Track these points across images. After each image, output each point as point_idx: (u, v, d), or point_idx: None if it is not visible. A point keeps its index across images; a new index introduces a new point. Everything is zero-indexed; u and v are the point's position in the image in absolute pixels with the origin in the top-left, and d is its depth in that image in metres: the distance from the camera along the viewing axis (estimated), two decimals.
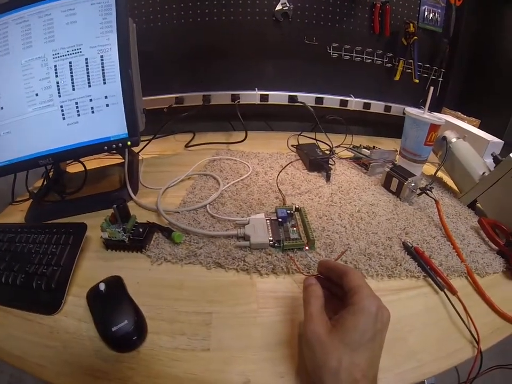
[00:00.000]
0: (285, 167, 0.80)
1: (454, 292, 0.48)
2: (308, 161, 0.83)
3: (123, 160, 0.75)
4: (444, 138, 0.77)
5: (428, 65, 1.10)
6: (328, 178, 0.78)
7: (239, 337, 0.41)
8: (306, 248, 0.54)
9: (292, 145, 0.98)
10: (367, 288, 0.36)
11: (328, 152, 0.91)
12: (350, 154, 0.92)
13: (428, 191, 0.67)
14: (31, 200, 0.67)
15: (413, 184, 0.67)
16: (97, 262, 0.52)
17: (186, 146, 0.97)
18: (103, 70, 0.60)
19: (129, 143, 0.65)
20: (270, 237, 0.54)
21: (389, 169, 0.73)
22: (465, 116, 1.04)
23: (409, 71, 1.08)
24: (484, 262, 0.55)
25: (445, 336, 0.43)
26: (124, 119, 0.63)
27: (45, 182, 0.71)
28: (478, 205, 0.72)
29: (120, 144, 0.64)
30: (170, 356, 0.38)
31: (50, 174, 0.72)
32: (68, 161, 0.78)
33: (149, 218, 0.61)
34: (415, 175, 0.69)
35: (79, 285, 0.47)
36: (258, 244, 0.53)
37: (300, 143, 0.98)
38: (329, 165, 0.82)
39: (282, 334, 0.42)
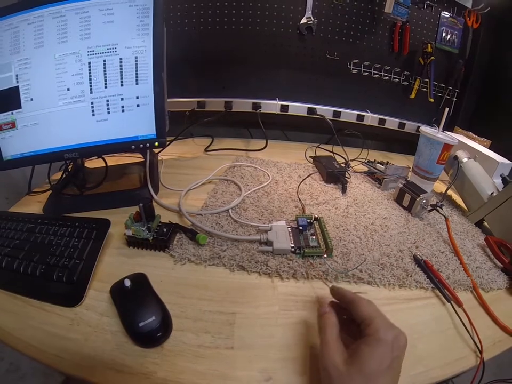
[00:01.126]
0: (306, 178, 0.83)
1: (460, 304, 0.51)
2: (326, 173, 0.86)
3: (143, 159, 0.76)
4: (456, 157, 0.81)
5: (442, 85, 1.14)
6: (344, 190, 0.81)
7: (261, 337, 0.43)
8: (325, 255, 0.57)
9: (310, 157, 1.02)
10: (380, 318, 0.36)
11: (344, 165, 0.94)
12: (365, 168, 0.95)
13: (438, 208, 0.70)
14: (50, 192, 0.68)
15: (424, 201, 0.71)
16: (119, 258, 0.53)
17: (206, 150, 1.00)
18: (136, 70, 0.60)
19: (156, 143, 0.66)
20: (292, 243, 0.58)
21: (402, 185, 0.76)
22: (476, 136, 1.07)
23: (425, 89, 1.11)
24: (488, 278, 0.58)
25: (450, 344, 0.46)
26: (153, 120, 0.64)
27: (64, 175, 0.72)
28: (485, 223, 0.75)
29: (148, 144, 0.65)
30: (194, 353, 0.40)
31: (70, 167, 0.73)
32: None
33: (170, 218, 0.62)
34: (426, 192, 0.72)
35: (101, 280, 0.49)
36: (281, 250, 0.57)
37: (317, 154, 1.01)
38: (346, 178, 0.85)
39: (302, 335, 0.44)
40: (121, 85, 0.61)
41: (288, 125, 1.18)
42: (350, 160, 0.98)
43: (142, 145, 0.65)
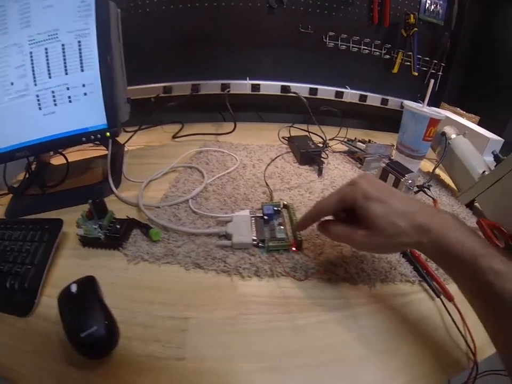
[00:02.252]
0: (274, 159, 0.75)
1: (450, 299, 0.44)
2: (299, 154, 0.78)
3: (107, 152, 0.70)
4: (443, 134, 0.73)
5: (427, 59, 1.05)
6: (320, 172, 0.73)
7: (216, 346, 0.37)
8: (293, 249, 0.49)
9: (283, 137, 0.93)
10: (343, 188, 0.41)
11: (321, 145, 0.86)
12: (344, 148, 0.87)
13: (425, 189, 0.63)
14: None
15: (410, 181, 0.63)
16: (73, 260, 0.48)
17: (174, 137, 0.93)
18: (80, 56, 0.56)
19: (108, 134, 0.61)
20: (254, 236, 0.49)
21: (385, 165, 0.68)
22: (464, 112, 1.00)
23: (408, 63, 1.03)
24: None
25: (439, 347, 0.39)
26: (102, 108, 0.59)
27: (27, 175, 0.67)
28: (477, 204, 0.68)
29: (99, 136, 0.60)
30: (142, 364, 0.35)
31: (35, 166, 0.69)
32: (51, 153, 0.74)
33: (130, 213, 0.57)
34: (412, 172, 0.65)
35: (54, 285, 0.44)
36: (241, 244, 0.48)
37: (292, 135, 0.93)
38: (322, 159, 0.77)
39: (264, 344, 0.37)
40: (66, 74, 0.56)
41: (263, 106, 1.10)
42: (328, 140, 0.91)
43: (92, 136, 0.60)
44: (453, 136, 0.73)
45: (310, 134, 0.94)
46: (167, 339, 0.37)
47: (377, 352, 0.37)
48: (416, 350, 0.38)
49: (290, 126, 1.00)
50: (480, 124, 0.94)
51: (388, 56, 1.03)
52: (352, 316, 0.41)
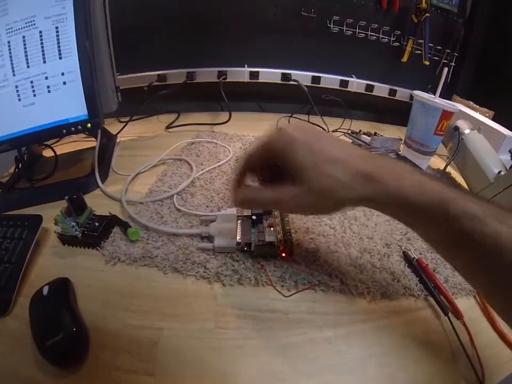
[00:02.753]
0: None
1: (459, 317, 0.38)
2: None
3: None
4: (456, 128, 0.66)
5: (439, 48, 0.96)
6: None
7: (189, 363, 0.33)
8: (283, 255, 0.43)
9: None
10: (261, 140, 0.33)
11: None
12: (348, 140, 0.81)
13: None
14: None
15: None
16: (52, 259, 0.46)
17: (168, 127, 0.87)
18: (58, 43, 0.54)
19: (89, 125, 0.58)
20: (239, 238, 0.43)
21: None
22: (477, 106, 0.92)
23: (419, 52, 0.94)
24: None
25: (444, 376, 0.33)
26: (83, 98, 0.56)
27: (16, 168, 0.65)
28: None
29: (80, 127, 0.58)
30: (109, 377, 0.32)
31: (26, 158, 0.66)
32: (41, 145, 0.71)
33: (114, 209, 0.53)
34: (421, 169, 0.58)
35: (31, 285, 0.41)
36: (223, 248, 0.43)
37: None
38: None
39: (240, 364, 0.33)
40: (44, 62, 0.54)
41: (263, 95, 1.02)
42: (331, 131, 0.84)
43: (73, 128, 0.58)
44: (467, 131, 0.66)
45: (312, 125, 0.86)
46: (138, 351, 0.34)
47: (372, 379, 0.32)
48: (416, 378, 0.33)
49: (289, 116, 0.93)
50: (494, 119, 0.86)
51: (397, 43, 0.95)
52: (346, 336, 0.36)
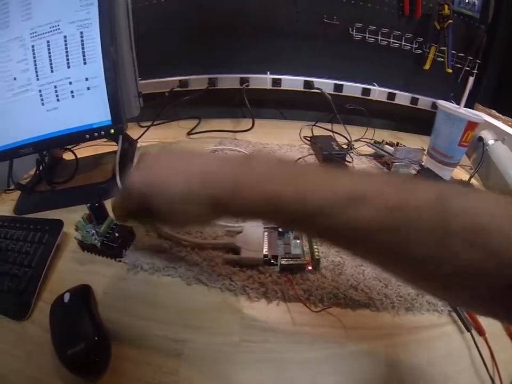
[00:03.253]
0: (296, 161, 0.68)
1: (482, 333, 0.38)
2: (322, 156, 0.71)
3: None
4: (480, 139, 0.65)
5: (461, 55, 0.93)
6: None
7: (212, 377, 0.33)
8: (309, 268, 0.43)
9: (305, 137, 0.86)
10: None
11: (345, 146, 0.79)
12: (371, 150, 0.80)
13: None
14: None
15: None
16: (72, 265, 0.45)
17: (189, 133, 0.87)
18: (83, 48, 0.53)
19: (112, 131, 0.57)
20: (266, 251, 0.44)
21: (415, 172, 0.61)
22: (500, 115, 0.89)
23: (441, 59, 0.92)
24: None
25: None
26: (106, 104, 0.55)
27: (37, 171, 0.65)
28: None
29: (103, 132, 0.57)
30: None
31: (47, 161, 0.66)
32: (62, 148, 0.71)
33: None
34: (445, 181, 0.57)
35: (51, 291, 0.41)
36: (250, 259, 0.43)
37: (315, 134, 0.85)
38: (346, 162, 0.70)
39: (266, 378, 0.33)
40: (68, 67, 0.54)
41: (284, 102, 1.02)
42: (353, 141, 0.83)
43: (96, 133, 0.57)
44: (491, 142, 0.65)
45: (334, 134, 0.86)
46: (160, 363, 0.33)
47: None
48: None
49: (313, 125, 0.93)
50: None
51: (419, 50, 0.93)
52: (370, 352, 0.36)
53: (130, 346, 0.35)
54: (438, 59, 0.92)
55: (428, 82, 0.97)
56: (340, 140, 0.83)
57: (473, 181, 0.68)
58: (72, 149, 0.67)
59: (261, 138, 0.84)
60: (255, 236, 0.45)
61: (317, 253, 0.43)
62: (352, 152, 0.77)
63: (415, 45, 0.92)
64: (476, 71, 0.93)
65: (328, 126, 0.91)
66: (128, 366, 0.33)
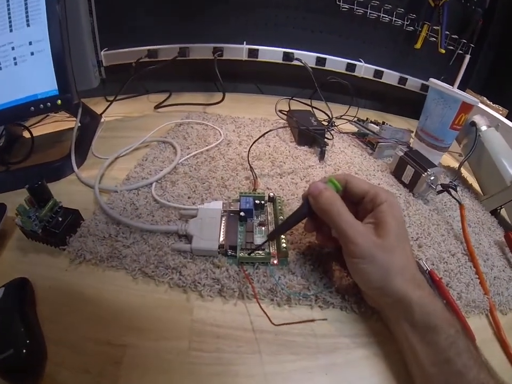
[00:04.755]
0: (264, 134, 0.58)
1: (472, 340, 0.32)
2: (298, 131, 0.63)
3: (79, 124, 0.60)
4: (473, 123, 0.58)
5: (455, 37, 0.88)
6: (322, 156, 0.59)
7: None
8: (275, 262, 0.35)
9: (281, 111, 0.78)
10: (377, 186, 0.34)
11: (325, 123, 0.72)
12: (353, 128, 0.73)
13: (451, 189, 0.49)
14: None
15: (432, 178, 0.49)
16: (15, 254, 0.39)
17: (157, 107, 0.78)
18: (26, 8, 0.47)
19: (59, 101, 0.50)
20: (222, 240, 0.36)
21: (402, 154, 0.54)
22: (490, 103, 0.84)
23: (433, 39, 0.86)
24: (508, 294, 0.40)
25: None
26: (52, 71, 0.49)
27: None
28: (503, 213, 0.55)
29: (49, 104, 0.50)
30: None
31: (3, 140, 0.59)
32: (19, 126, 0.63)
33: (88, 197, 0.46)
34: (435, 166, 0.51)
35: None
36: (202, 250, 0.35)
37: (293, 109, 0.77)
38: (326, 139, 0.63)
39: None
40: (11, 31, 0.47)
41: (261, 76, 0.93)
42: (335, 118, 0.76)
43: (42, 105, 0.50)
44: (484, 128, 0.59)
45: (314, 109, 0.78)
46: (98, 371, 0.28)
47: None
48: None
49: (290, 99, 0.84)
50: (508, 117, 0.79)
51: (411, 28, 0.86)
52: (345, 364, 0.30)
53: (69, 351, 0.29)
54: (430, 39, 0.86)
55: (418, 62, 0.92)
56: (320, 116, 0.76)
57: (462, 169, 0.62)
58: (33, 126, 0.62)
59: (232, 112, 0.76)
60: (210, 221, 0.37)
61: (284, 244, 0.36)
62: (332, 129, 0.70)
63: (407, 21, 0.86)
64: (469, 55, 0.88)
65: (308, 101, 0.83)
66: (65, 374, 0.28)
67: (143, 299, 0.33)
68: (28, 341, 0.28)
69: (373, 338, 0.32)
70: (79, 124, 0.59)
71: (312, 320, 0.31)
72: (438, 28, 0.84)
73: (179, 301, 0.33)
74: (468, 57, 0.57)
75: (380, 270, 0.29)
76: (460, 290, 0.38)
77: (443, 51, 0.84)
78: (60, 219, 0.39)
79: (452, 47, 0.89)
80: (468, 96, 0.54)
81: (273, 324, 0.29)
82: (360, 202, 0.34)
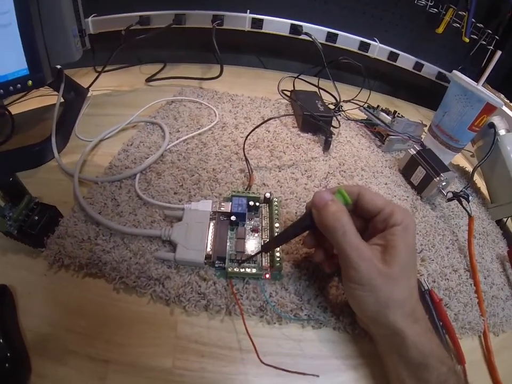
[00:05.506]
0: (263, 123, 0.53)
1: (462, 362, 0.33)
2: (302, 118, 0.59)
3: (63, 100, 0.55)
4: (492, 125, 0.55)
5: (480, 26, 0.81)
6: (327, 146, 0.55)
7: None
8: (267, 276, 0.33)
9: (284, 90, 0.72)
10: (394, 204, 0.31)
11: (332, 107, 0.68)
12: (362, 115, 0.68)
13: (462, 199, 0.46)
14: None
15: (444, 183, 0.47)
16: None
17: (148, 80, 0.72)
18: None
19: (30, 83, 0.46)
20: (210, 249, 0.33)
21: (415, 152, 0.52)
22: (508, 101, 0.81)
23: (456, 25, 0.80)
24: (503, 315, 0.39)
25: None
26: (20, 47, 0.44)
27: None
28: (508, 224, 0.54)
29: (19, 86, 0.46)
30: None
31: None
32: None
33: (68, 188, 0.43)
34: (449, 171, 0.49)
35: None
36: (187, 262, 0.33)
37: (297, 89, 0.72)
38: (332, 127, 0.59)
39: None
40: None
41: (265, 49, 0.87)
42: (343, 101, 0.71)
43: (11, 87, 0.46)
44: (502, 132, 0.55)
45: (320, 91, 0.74)
46: None
47: None
48: None
49: (295, 77, 0.78)
50: None
51: (434, 9, 0.79)
52: None
53: (51, 363, 0.28)
54: (453, 24, 0.80)
55: (437, 48, 0.86)
56: (327, 98, 0.72)
57: (468, 168, 0.60)
58: (15, 102, 0.58)
59: (231, 88, 0.71)
60: (198, 226, 0.35)
61: (278, 256, 0.33)
62: (339, 115, 0.66)
63: (431, 2, 0.79)
64: (492, 47, 0.83)
65: (314, 80, 0.77)
66: None
67: (125, 311, 0.32)
68: (8, 354, 0.27)
69: (364, 359, 0.31)
70: (62, 100, 0.54)
71: (304, 374, 0.29)
72: (463, 13, 0.78)
73: (162, 315, 0.32)
74: (498, 53, 0.52)
75: (378, 300, 0.27)
76: (457, 311, 0.37)
77: (467, 40, 0.79)
78: (36, 218, 0.35)
79: (475, 36, 0.83)
80: (493, 97, 0.51)
81: (262, 362, 0.28)
82: (371, 219, 0.32)
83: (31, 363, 0.28)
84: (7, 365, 0.26)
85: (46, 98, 0.60)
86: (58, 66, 0.53)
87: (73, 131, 0.54)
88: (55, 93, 0.59)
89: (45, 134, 0.50)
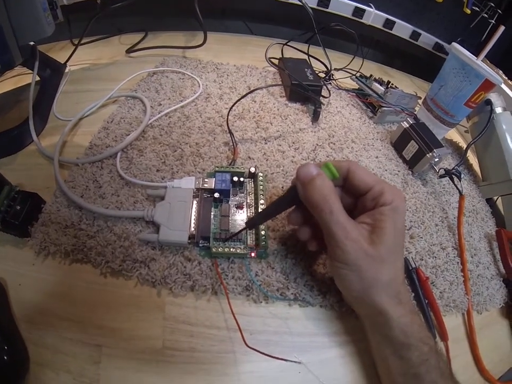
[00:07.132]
0: (248, 93, 0.52)
1: (445, 339, 0.36)
2: (290, 88, 0.59)
3: (38, 78, 0.53)
4: (488, 102, 0.56)
5: None
6: (316, 117, 0.56)
7: None
8: (252, 254, 0.35)
9: (272, 58, 0.71)
10: (386, 183, 0.31)
11: (323, 75, 0.68)
12: (354, 85, 0.69)
13: (454, 176, 0.48)
14: None
15: (436, 159, 0.49)
16: None
17: (128, 51, 0.70)
18: None
19: None
20: (193, 228, 0.34)
21: (408, 126, 0.53)
22: (506, 78, 0.82)
23: None
24: (487, 294, 0.42)
25: None
26: None
27: None
28: (498, 204, 0.57)
29: None
30: None
31: None
32: None
33: (49, 172, 0.42)
34: (442, 146, 0.50)
35: None
36: (170, 242, 0.34)
37: (286, 56, 0.72)
38: (321, 97, 0.59)
39: None
40: None
41: (253, 13, 0.86)
42: (334, 70, 0.71)
43: None
44: (499, 109, 0.56)
45: (311, 58, 0.73)
46: (79, 371, 0.29)
47: None
48: None
49: (284, 44, 0.77)
50: None
51: None
52: (320, 363, 0.32)
53: (48, 352, 0.30)
54: None
55: (436, 18, 0.86)
56: (317, 66, 0.72)
57: (461, 143, 0.62)
58: None
59: (216, 56, 0.71)
60: (180, 205, 0.35)
61: (264, 234, 0.34)
62: (329, 84, 0.66)
63: None
64: (493, 21, 0.83)
65: (304, 48, 0.77)
66: (49, 374, 0.29)
67: (114, 295, 0.33)
68: (5, 347, 0.28)
69: (351, 336, 0.33)
70: (38, 79, 0.52)
71: (286, 360, 0.30)
72: None
73: (150, 297, 0.33)
74: (502, 28, 0.53)
75: (363, 281, 0.28)
76: (443, 289, 0.39)
77: (468, 11, 0.79)
78: (18, 207, 0.36)
79: (476, 8, 0.83)
80: (493, 74, 0.51)
81: (246, 345, 0.29)
82: (360, 196, 0.32)
83: (28, 353, 0.29)
84: (5, 357, 0.27)
85: (22, 77, 0.59)
86: (32, 43, 0.51)
87: (51, 111, 0.53)
88: (31, 71, 0.57)
89: (22, 116, 0.49)
